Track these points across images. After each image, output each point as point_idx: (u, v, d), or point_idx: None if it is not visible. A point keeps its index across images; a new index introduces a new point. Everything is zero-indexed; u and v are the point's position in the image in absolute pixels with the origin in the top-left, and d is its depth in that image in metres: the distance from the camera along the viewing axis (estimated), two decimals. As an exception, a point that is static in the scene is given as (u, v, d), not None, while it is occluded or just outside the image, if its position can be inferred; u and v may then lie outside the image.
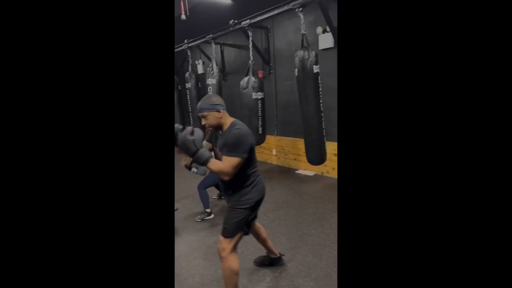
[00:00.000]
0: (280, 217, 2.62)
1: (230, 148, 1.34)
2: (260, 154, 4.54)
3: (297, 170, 3.93)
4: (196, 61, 5.29)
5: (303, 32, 2.90)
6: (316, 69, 2.89)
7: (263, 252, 2.03)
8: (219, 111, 1.42)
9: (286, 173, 3.87)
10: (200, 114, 1.43)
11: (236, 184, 1.44)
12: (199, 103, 1.43)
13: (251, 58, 3.44)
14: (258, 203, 1.49)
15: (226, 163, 1.34)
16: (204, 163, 1.35)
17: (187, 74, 4.72)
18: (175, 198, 3.20)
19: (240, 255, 2.03)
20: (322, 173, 3.65)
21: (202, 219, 2.69)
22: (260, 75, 4.03)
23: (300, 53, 2.86)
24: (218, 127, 1.46)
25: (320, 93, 3.01)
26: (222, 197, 3.15)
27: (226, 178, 1.36)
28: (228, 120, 1.46)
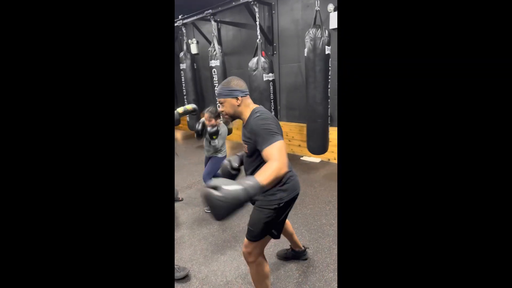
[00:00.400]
0: (295, 207, 2.50)
1: (264, 138, 1.08)
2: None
3: (302, 156, 3.82)
4: (189, 40, 4.92)
5: (317, 8, 2.69)
6: (327, 50, 2.72)
7: (283, 244, 1.92)
8: (237, 98, 1.21)
9: (290, 160, 3.72)
10: (218, 100, 1.26)
11: None
12: (218, 87, 1.27)
13: (259, 37, 3.19)
14: (289, 203, 1.29)
15: (271, 157, 1.02)
16: (259, 191, 0.92)
17: (181, 54, 4.38)
18: (178, 188, 3.01)
19: (265, 250, 1.93)
20: (329, 159, 3.56)
21: None
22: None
23: (313, 31, 2.67)
24: (235, 116, 1.26)
25: (330, 77, 2.86)
26: None
27: (284, 171, 1.00)
28: (248, 109, 1.24)
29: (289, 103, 3.92)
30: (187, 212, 2.55)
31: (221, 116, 2.52)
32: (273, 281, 1.67)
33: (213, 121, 2.43)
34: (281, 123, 3.92)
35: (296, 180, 1.33)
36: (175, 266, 1.72)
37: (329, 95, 2.90)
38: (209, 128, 2.43)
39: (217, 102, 1.26)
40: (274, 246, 1.97)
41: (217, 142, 2.51)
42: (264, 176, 0.93)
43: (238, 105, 1.22)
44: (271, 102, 3.39)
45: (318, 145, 2.93)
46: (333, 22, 3.10)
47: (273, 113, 3.45)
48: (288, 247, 1.86)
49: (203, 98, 5.21)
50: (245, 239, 1.30)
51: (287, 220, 1.66)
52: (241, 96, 1.22)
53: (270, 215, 1.24)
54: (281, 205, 1.24)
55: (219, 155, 2.59)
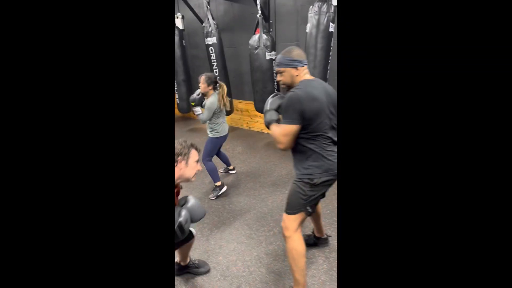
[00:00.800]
0: (304, 191, 2.45)
1: (282, 113, 1.21)
2: (255, 123, 4.25)
3: (300, 139, 3.77)
4: (174, 15, 4.53)
5: (324, -19, 2.52)
6: (331, 27, 2.59)
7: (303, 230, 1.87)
8: (296, 68, 1.24)
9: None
10: (276, 70, 1.28)
11: (295, 155, 1.29)
12: (278, 56, 1.26)
13: (259, 11, 2.98)
14: (325, 184, 1.26)
15: (276, 130, 1.22)
16: (268, 123, 1.29)
17: (168, 30, 4.02)
18: (177, 174, 2.85)
19: (277, 234, 1.86)
20: (328, 141, 3.53)
21: (217, 196, 2.42)
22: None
23: (318, 5, 2.51)
24: (291, 87, 1.26)
25: (330, 57, 2.76)
26: (230, 171, 2.87)
27: (279, 146, 1.23)
28: (299, 80, 1.26)
29: (286, 84, 3.79)
30: (191, 200, 2.42)
31: (217, 86, 2.27)
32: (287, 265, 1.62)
33: (203, 87, 2.20)
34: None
35: (332, 163, 1.25)
36: (194, 262, 1.62)
37: (327, 76, 2.80)
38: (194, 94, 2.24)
39: (276, 71, 1.29)
40: (291, 232, 1.92)
41: (200, 113, 2.26)
42: (273, 129, 1.26)
43: (297, 75, 1.24)
44: (274, 82, 3.24)
45: None
46: (337, -3, 2.95)
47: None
48: (308, 233, 1.82)
49: (190, 78, 4.91)
50: (284, 213, 1.34)
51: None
52: (301, 67, 1.24)
53: (302, 188, 1.26)
54: (314, 181, 1.24)
55: (210, 135, 2.34)
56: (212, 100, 2.22)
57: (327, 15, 2.51)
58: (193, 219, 1.20)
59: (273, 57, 3.13)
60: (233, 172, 2.87)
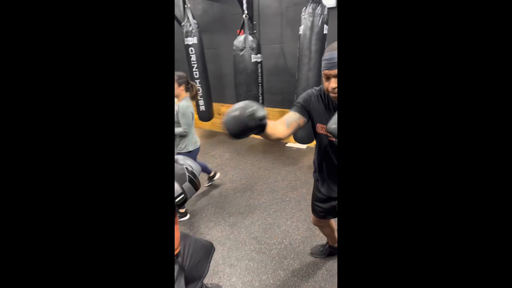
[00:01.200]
0: (305, 197, 2.36)
1: None
2: (240, 127, 4.09)
3: (287, 143, 3.69)
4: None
5: (316, -18, 2.49)
6: (325, 30, 2.58)
7: (308, 241, 1.77)
8: None
9: (276, 147, 3.58)
10: (328, 72, 0.94)
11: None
12: (328, 54, 0.93)
13: (245, 12, 2.85)
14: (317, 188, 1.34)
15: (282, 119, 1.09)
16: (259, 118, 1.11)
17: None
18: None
19: (289, 246, 1.68)
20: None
21: (211, 183, 2.52)
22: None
23: (312, 6, 2.47)
24: None
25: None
26: (213, 179, 2.61)
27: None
28: None
29: (271, 88, 3.70)
30: (193, 204, 2.17)
31: (189, 86, 1.90)
32: (319, 280, 1.50)
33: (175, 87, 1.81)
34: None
35: (321, 178, 1.29)
36: (207, 286, 1.41)
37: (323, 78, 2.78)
38: None
39: (327, 74, 0.94)
40: (302, 244, 1.80)
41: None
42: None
43: None
44: (259, 86, 3.12)
45: (306, 134, 2.76)
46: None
47: (260, 98, 3.19)
48: (315, 243, 1.72)
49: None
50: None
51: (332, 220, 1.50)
52: None
53: (314, 187, 1.38)
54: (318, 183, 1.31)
55: (183, 150, 1.91)
56: (186, 104, 1.83)
57: (321, 17, 2.48)
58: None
59: (259, 60, 3.01)
60: (217, 176, 2.64)
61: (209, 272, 1.58)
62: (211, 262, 1.17)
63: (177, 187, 0.83)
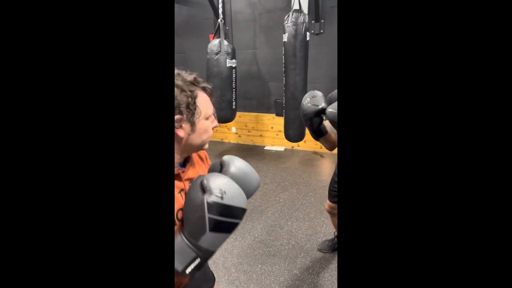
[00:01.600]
0: (297, 197, 2.42)
1: None
2: (215, 133, 3.99)
3: (265, 146, 3.73)
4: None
5: (295, -9, 2.62)
6: (308, 36, 2.72)
7: (313, 238, 1.83)
8: None
9: (254, 151, 3.59)
10: None
11: None
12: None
13: (221, 16, 2.84)
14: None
15: None
16: None
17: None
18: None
19: (296, 245, 1.72)
20: (292, 147, 3.62)
21: None
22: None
23: (295, 15, 2.60)
24: None
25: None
26: None
27: None
28: None
29: (246, 93, 3.71)
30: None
31: None
32: (334, 274, 1.55)
33: None
34: (239, 113, 3.65)
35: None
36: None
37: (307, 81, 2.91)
38: None
39: None
40: (309, 242, 1.84)
41: None
42: None
43: None
44: (233, 91, 3.12)
45: (298, 133, 2.90)
46: (304, 7, 3.11)
47: (234, 103, 3.18)
48: (320, 240, 1.79)
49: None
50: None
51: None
52: None
53: (334, 173, 1.54)
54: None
55: None
56: None
57: (304, 25, 2.61)
58: (246, 189, 0.67)
59: (233, 65, 3.02)
60: None
61: (224, 283, 1.51)
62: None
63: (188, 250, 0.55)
